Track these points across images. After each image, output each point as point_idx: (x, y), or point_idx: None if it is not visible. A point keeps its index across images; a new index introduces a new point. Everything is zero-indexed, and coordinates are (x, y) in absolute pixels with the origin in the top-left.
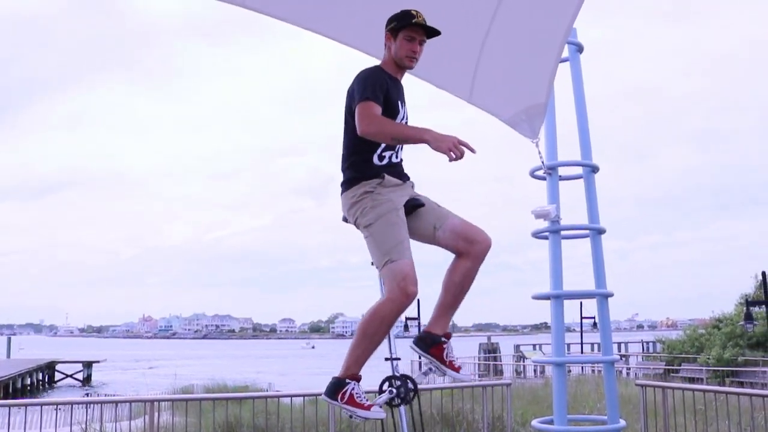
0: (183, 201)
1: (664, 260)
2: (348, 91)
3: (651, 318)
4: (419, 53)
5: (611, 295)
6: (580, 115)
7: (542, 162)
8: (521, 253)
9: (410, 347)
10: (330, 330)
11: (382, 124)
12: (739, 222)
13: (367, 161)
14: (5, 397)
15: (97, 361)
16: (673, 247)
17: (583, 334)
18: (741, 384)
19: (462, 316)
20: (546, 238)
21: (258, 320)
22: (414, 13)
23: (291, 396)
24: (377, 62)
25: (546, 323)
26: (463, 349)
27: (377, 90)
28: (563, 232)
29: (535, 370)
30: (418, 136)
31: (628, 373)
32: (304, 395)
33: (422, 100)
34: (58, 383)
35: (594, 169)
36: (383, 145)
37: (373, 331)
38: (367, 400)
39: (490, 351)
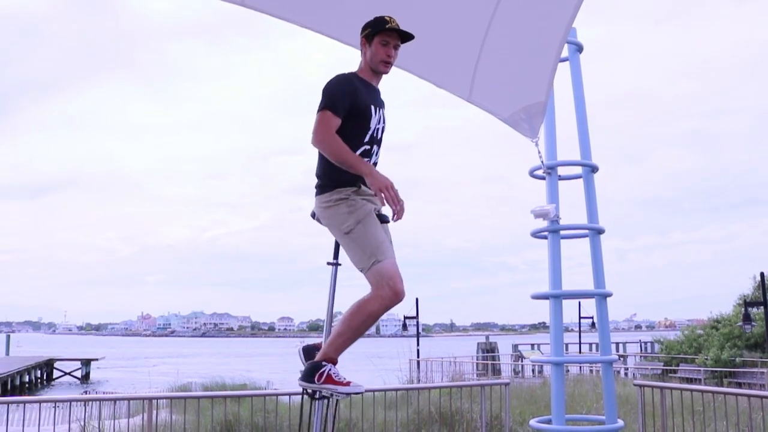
0: (180, 201)
1: (662, 261)
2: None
3: (649, 318)
4: (394, 58)
5: (610, 295)
6: (580, 114)
7: (542, 161)
8: (520, 253)
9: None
10: None
11: (332, 144)
12: (737, 223)
13: (341, 169)
14: (4, 395)
15: (96, 359)
16: (671, 248)
17: (582, 333)
18: (739, 385)
19: (461, 316)
20: (545, 237)
21: (256, 319)
22: (387, 18)
23: (290, 394)
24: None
25: (544, 323)
26: (461, 349)
27: (340, 99)
28: (562, 232)
29: (533, 370)
30: (357, 168)
31: (626, 374)
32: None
33: (422, 99)
34: (57, 381)
35: (593, 169)
36: (360, 151)
37: (358, 324)
38: (344, 378)
39: (489, 350)
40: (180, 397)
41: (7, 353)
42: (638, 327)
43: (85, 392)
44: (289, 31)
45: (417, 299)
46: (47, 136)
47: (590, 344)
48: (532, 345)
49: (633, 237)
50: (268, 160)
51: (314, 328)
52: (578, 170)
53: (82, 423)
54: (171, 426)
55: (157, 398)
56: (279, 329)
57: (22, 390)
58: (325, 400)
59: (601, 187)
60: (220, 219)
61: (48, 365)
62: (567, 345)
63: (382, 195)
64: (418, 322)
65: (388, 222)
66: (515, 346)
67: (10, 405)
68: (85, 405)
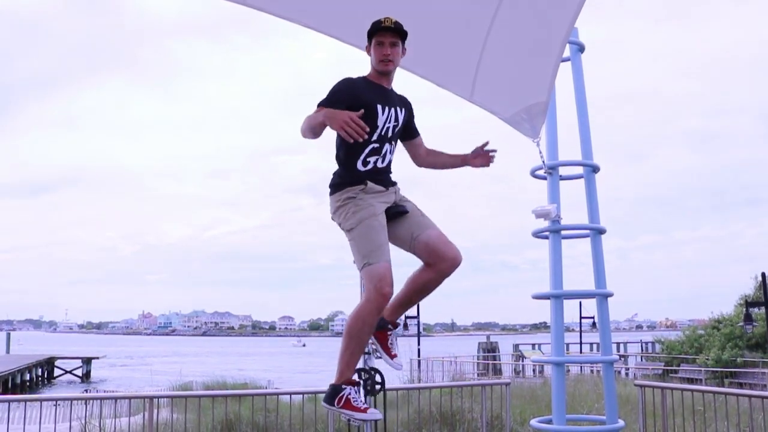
0: (182, 199)
1: (663, 260)
2: None
3: (650, 318)
4: (392, 55)
5: (611, 295)
6: (581, 114)
7: (543, 161)
8: (520, 253)
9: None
10: (330, 328)
11: (302, 125)
12: (738, 222)
13: (351, 167)
14: (4, 393)
15: (97, 358)
16: (672, 248)
17: (583, 333)
18: (740, 385)
19: (461, 315)
20: (546, 237)
21: (257, 318)
22: (382, 20)
23: (290, 393)
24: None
25: (545, 323)
26: (462, 348)
27: (331, 97)
28: (563, 232)
29: (534, 370)
30: (318, 122)
31: (627, 374)
32: (303, 393)
33: (423, 99)
34: (57, 379)
35: (595, 169)
36: (367, 150)
37: (357, 331)
38: (363, 403)
39: (489, 350)
40: (181, 396)
41: (8, 351)
42: (639, 327)
43: (86, 391)
44: (291, 30)
45: None
46: (49, 134)
47: (591, 344)
48: (533, 345)
49: (634, 236)
50: (269, 159)
51: (315, 327)
52: (579, 170)
53: (83, 421)
54: (172, 425)
55: (158, 397)
56: (280, 328)
57: (23, 388)
58: (371, 396)
59: (602, 186)
60: (222, 217)
61: (49, 363)
62: (568, 345)
63: (344, 132)
64: (418, 321)
65: (407, 212)
66: (516, 346)
67: (11, 403)
68: (86, 403)
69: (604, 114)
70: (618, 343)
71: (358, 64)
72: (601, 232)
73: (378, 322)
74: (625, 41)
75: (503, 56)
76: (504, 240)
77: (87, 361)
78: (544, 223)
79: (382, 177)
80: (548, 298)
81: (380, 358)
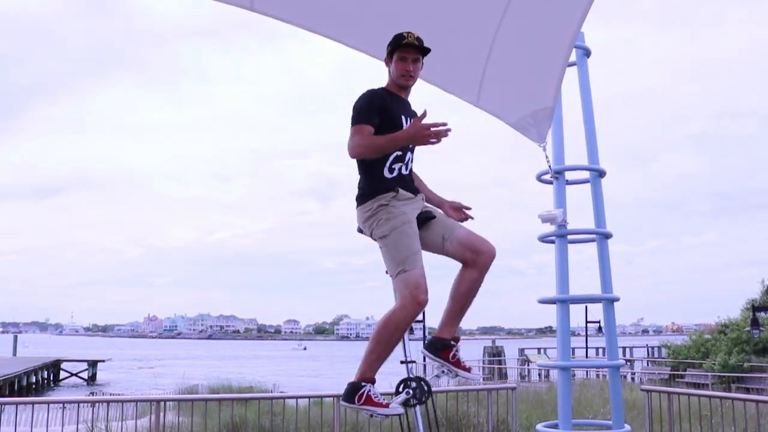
0: (188, 202)
1: (669, 265)
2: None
3: (656, 323)
4: (414, 71)
5: (617, 299)
6: (587, 119)
7: (549, 166)
8: (526, 257)
9: (421, 352)
10: (335, 331)
11: (366, 145)
12: (745, 226)
13: (378, 175)
14: (11, 395)
15: (102, 360)
16: (679, 252)
17: (589, 338)
18: (747, 390)
19: (467, 320)
20: (553, 242)
21: (263, 321)
22: (405, 35)
23: (296, 397)
24: (381, 64)
25: (551, 327)
26: (467, 353)
27: (368, 112)
28: (570, 237)
29: (539, 374)
30: (395, 142)
31: (633, 378)
32: (309, 396)
33: (429, 104)
34: (63, 382)
35: (601, 174)
36: (392, 157)
37: (387, 337)
38: (383, 399)
39: (495, 354)
40: (187, 399)
41: (14, 354)
42: (645, 331)
43: (92, 393)
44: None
45: None
46: (56, 137)
47: (597, 349)
48: (539, 349)
49: (640, 241)
50: (274, 162)
51: (320, 331)
52: (585, 174)
53: (90, 424)
54: (178, 428)
55: (165, 400)
56: (285, 332)
57: (29, 391)
58: (421, 405)
59: (608, 189)
60: (227, 221)
61: (55, 366)
62: (574, 349)
63: (431, 140)
64: (424, 325)
65: (434, 218)
66: (522, 351)
67: (18, 405)
68: (92, 406)
69: (610, 117)
70: (624, 348)
71: (363, 68)
72: (608, 236)
73: (442, 343)
74: (631, 44)
75: (509, 61)
76: (510, 244)
77: (93, 363)
78: (550, 228)
79: (409, 184)
80: (554, 303)
81: (455, 376)
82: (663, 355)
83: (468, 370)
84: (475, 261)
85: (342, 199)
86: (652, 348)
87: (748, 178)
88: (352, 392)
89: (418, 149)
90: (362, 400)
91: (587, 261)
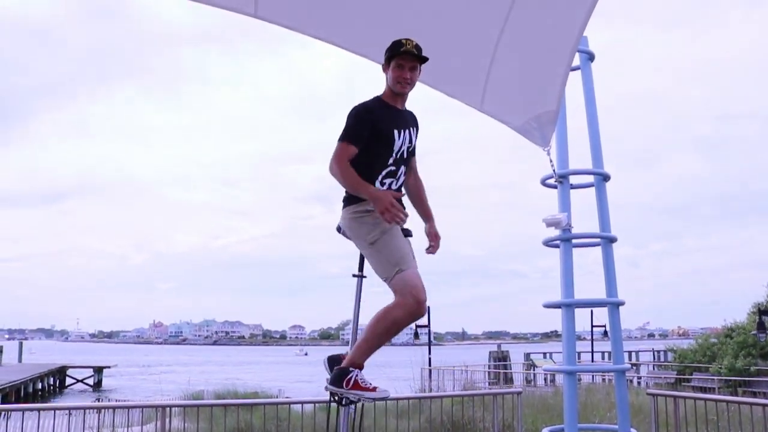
0: (192, 207)
1: (674, 268)
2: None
3: (662, 327)
4: (411, 79)
5: (622, 303)
6: (592, 123)
7: (553, 170)
8: (531, 261)
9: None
10: (340, 337)
11: (342, 173)
12: (750, 229)
13: (369, 184)
14: (17, 401)
15: (108, 367)
16: (684, 255)
17: (594, 342)
18: (754, 394)
19: (472, 324)
20: (557, 246)
21: (268, 326)
22: (404, 42)
23: (302, 402)
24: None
25: (556, 331)
26: (473, 357)
27: (357, 130)
28: (574, 241)
29: (545, 379)
30: (362, 193)
31: (639, 383)
32: (315, 402)
33: (433, 108)
34: (69, 388)
35: (605, 178)
36: (384, 172)
37: (383, 330)
38: (371, 384)
39: (501, 359)
40: (193, 405)
41: (20, 360)
42: (651, 335)
43: (98, 400)
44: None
45: (428, 307)
46: (60, 142)
47: (603, 353)
48: (544, 354)
49: (645, 244)
50: (278, 167)
51: (325, 336)
52: (590, 179)
53: (96, 430)
54: None
55: (170, 406)
56: (291, 337)
57: (35, 397)
58: (352, 406)
59: (612, 193)
60: (232, 226)
61: (60, 372)
62: (579, 354)
63: (385, 217)
64: (429, 330)
65: (411, 236)
66: (527, 355)
67: (25, 412)
68: (98, 413)
69: (613, 120)
70: (630, 352)
71: (366, 72)
72: (612, 240)
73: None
74: (634, 47)
75: (513, 65)
76: (514, 249)
77: (98, 370)
78: (554, 232)
79: (397, 198)
80: (559, 307)
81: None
82: (669, 359)
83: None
84: (408, 301)
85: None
86: (658, 352)
87: (753, 181)
88: (340, 377)
89: (423, 146)
90: (350, 385)
91: (592, 265)
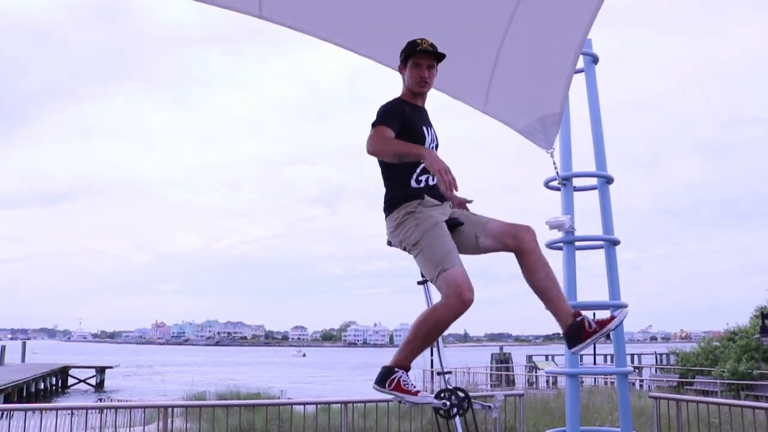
0: (194, 209)
1: (677, 271)
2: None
3: (665, 330)
4: (429, 77)
5: (625, 306)
6: (595, 125)
7: (557, 172)
8: None
9: (570, 351)
10: (342, 338)
11: (384, 142)
12: (753, 233)
13: (405, 185)
14: (20, 401)
15: (110, 367)
16: (687, 258)
17: (596, 345)
18: (756, 398)
19: (474, 326)
20: (560, 248)
21: (270, 327)
22: (419, 41)
23: (304, 403)
24: (390, 71)
25: (558, 334)
26: (475, 359)
27: (392, 117)
28: (577, 243)
29: (547, 381)
30: (417, 152)
31: (641, 385)
32: (317, 403)
33: (436, 110)
34: (71, 388)
35: (609, 180)
36: (419, 169)
37: (426, 332)
38: (414, 387)
39: (503, 361)
40: (195, 405)
41: (23, 360)
42: (653, 338)
43: (100, 400)
44: (304, 41)
45: None
46: (62, 143)
47: (605, 355)
48: (547, 356)
49: (648, 247)
50: (282, 168)
51: (328, 337)
52: (593, 181)
53: (98, 431)
54: None
55: (172, 407)
56: (293, 338)
57: (37, 397)
58: (459, 419)
59: (615, 196)
60: (234, 227)
61: (63, 373)
62: (581, 356)
63: (441, 178)
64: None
65: (462, 224)
66: (529, 357)
67: (27, 412)
68: (100, 413)
69: (617, 123)
70: (632, 355)
71: (370, 74)
72: (615, 243)
73: (579, 324)
74: (638, 50)
75: (517, 67)
76: None
77: (101, 370)
78: (557, 235)
79: (435, 191)
80: None
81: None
82: (671, 362)
83: (610, 319)
84: (519, 244)
85: (349, 205)
86: (661, 355)
87: (757, 185)
88: (384, 377)
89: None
90: (392, 386)
91: (595, 268)
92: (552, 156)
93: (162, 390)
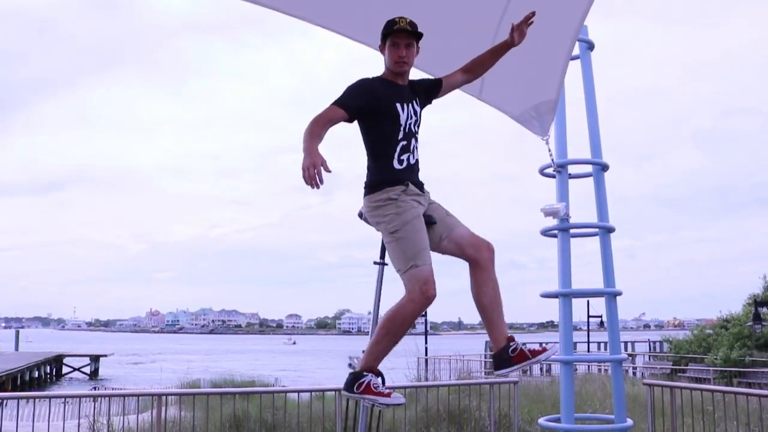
0: (190, 198)
1: (671, 260)
2: None
3: (658, 317)
4: (407, 56)
5: (620, 293)
6: (591, 112)
7: (552, 160)
8: (528, 251)
9: (495, 373)
10: (336, 326)
11: (307, 130)
12: (746, 222)
13: (388, 166)
14: (14, 390)
15: (104, 355)
16: (681, 247)
17: (590, 332)
18: (749, 385)
19: (468, 314)
20: (555, 236)
21: (265, 316)
22: (397, 20)
23: (298, 391)
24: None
25: (553, 322)
26: (469, 347)
27: (350, 96)
28: (572, 231)
29: (541, 369)
30: (304, 147)
31: (634, 373)
32: (311, 390)
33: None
34: (66, 377)
35: (604, 168)
36: (399, 148)
37: (395, 329)
38: (385, 389)
39: None
40: (189, 393)
41: (17, 349)
42: (647, 326)
43: (94, 388)
44: (302, 30)
45: None
46: (60, 132)
47: (598, 343)
48: (540, 344)
49: (643, 235)
50: (277, 158)
51: (322, 325)
52: (588, 168)
53: (92, 419)
54: (180, 422)
55: (167, 395)
56: (287, 326)
57: (31, 385)
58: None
59: (611, 184)
60: (230, 216)
61: (57, 361)
62: (575, 344)
63: (304, 174)
64: (426, 319)
65: (435, 223)
66: (524, 345)
67: (20, 400)
68: (94, 401)
69: (614, 113)
70: (625, 342)
71: (369, 62)
72: (610, 230)
73: (504, 351)
74: (636, 40)
75: (512, 54)
76: (512, 238)
77: (95, 358)
78: (552, 222)
79: (416, 177)
80: (556, 297)
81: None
82: (665, 349)
83: (542, 351)
84: (477, 258)
85: (343, 192)
86: (654, 343)
87: (752, 174)
88: (353, 381)
89: (421, 136)
90: (361, 389)
91: (589, 255)
92: (547, 143)
93: (156, 378)
